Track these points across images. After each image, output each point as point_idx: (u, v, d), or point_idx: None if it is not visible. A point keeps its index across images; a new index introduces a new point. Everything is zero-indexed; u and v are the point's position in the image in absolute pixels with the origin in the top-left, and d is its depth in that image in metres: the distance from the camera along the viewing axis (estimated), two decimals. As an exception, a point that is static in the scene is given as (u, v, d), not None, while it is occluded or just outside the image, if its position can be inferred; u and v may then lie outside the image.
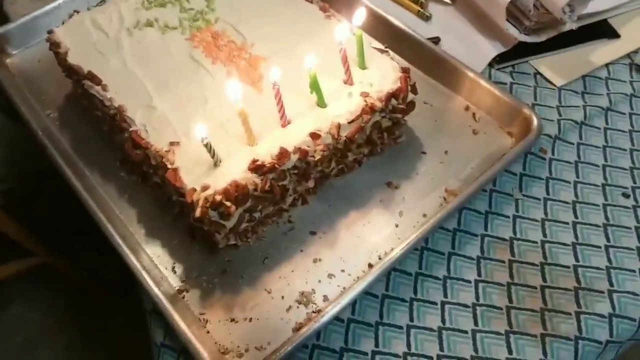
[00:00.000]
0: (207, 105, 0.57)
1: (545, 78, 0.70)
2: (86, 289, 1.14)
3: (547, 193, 0.60)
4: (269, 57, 0.60)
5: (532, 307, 0.52)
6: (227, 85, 0.51)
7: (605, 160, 0.63)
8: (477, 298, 0.53)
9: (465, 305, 0.52)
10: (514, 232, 0.57)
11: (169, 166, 0.51)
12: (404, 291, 0.53)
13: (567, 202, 0.59)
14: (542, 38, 0.72)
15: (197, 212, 0.48)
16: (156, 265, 0.54)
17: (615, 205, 0.59)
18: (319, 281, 0.53)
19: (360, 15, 0.56)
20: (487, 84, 0.63)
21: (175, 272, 0.54)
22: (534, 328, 0.51)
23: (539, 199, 0.59)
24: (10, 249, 0.95)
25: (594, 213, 0.58)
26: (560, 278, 0.54)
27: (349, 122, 0.54)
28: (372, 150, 0.61)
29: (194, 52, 0.62)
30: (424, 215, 0.56)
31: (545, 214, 0.58)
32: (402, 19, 0.71)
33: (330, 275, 0.53)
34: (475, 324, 0.51)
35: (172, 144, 0.53)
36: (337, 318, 0.51)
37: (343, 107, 0.55)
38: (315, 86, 0.54)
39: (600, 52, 0.72)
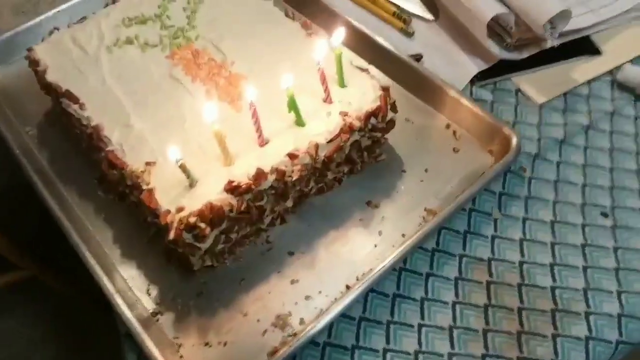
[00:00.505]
0: (185, 125, 0.56)
1: (526, 95, 0.70)
2: (74, 302, 1.13)
3: (526, 212, 0.60)
4: (249, 75, 0.60)
5: (508, 329, 0.52)
6: (204, 107, 0.51)
7: (585, 178, 0.62)
8: (454, 320, 0.52)
9: (442, 328, 0.52)
10: (493, 253, 0.57)
11: (144, 187, 0.51)
12: (381, 313, 0.53)
13: (545, 222, 0.59)
14: (523, 55, 0.72)
15: (171, 234, 0.48)
16: (130, 288, 0.53)
17: (593, 225, 0.59)
18: (296, 303, 0.52)
19: (339, 35, 0.56)
20: (468, 102, 0.63)
21: (149, 295, 0.53)
22: (510, 351, 0.51)
23: (518, 219, 0.59)
24: (-3, 262, 0.94)
25: (572, 233, 0.58)
26: (537, 300, 0.53)
27: (327, 142, 0.54)
28: (352, 168, 0.61)
29: (173, 70, 0.61)
30: (403, 235, 0.56)
31: (524, 233, 0.58)
32: (386, 35, 0.71)
33: (307, 297, 0.53)
34: (452, 346, 0.51)
35: (148, 164, 0.52)
36: (313, 342, 0.50)
37: (322, 127, 0.55)
38: (292, 105, 0.54)
39: (582, 69, 0.72)
